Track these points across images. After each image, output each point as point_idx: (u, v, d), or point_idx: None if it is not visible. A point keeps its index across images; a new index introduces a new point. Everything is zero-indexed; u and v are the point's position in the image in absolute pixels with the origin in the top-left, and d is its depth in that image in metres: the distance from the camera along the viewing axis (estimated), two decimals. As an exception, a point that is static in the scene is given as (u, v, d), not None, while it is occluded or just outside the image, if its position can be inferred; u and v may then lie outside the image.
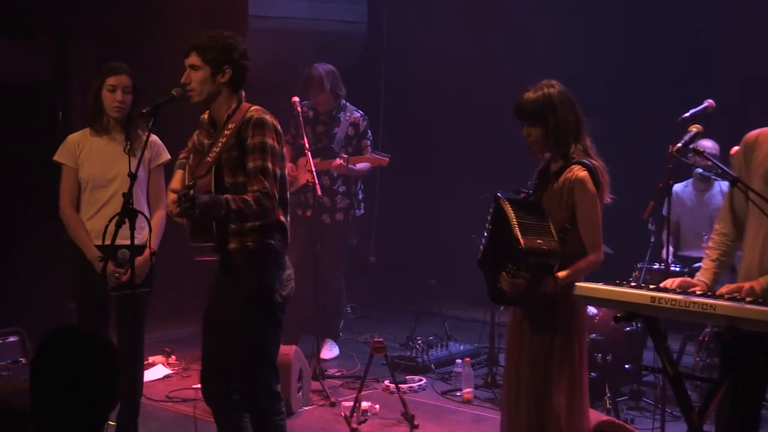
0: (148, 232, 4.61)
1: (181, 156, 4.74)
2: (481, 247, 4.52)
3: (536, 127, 4.34)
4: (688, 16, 8.04)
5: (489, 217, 4.45)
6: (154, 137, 5.24)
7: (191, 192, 4.16)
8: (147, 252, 5.01)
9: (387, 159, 7.23)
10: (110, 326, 5.18)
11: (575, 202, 4.28)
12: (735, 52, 7.82)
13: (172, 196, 4.36)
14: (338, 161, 7.20)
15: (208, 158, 4.43)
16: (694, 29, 8.03)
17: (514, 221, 4.23)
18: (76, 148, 5.24)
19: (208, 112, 4.60)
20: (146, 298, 5.17)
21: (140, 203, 5.18)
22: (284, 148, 4.56)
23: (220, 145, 4.42)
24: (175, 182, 4.60)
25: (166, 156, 5.24)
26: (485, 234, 4.49)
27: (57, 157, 5.26)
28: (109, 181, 5.20)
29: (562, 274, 4.23)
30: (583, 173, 4.28)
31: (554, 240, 4.23)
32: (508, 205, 4.30)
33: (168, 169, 5.09)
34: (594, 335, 6.09)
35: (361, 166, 7.32)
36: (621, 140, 7.93)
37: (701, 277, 4.21)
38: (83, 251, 5.16)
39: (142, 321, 5.22)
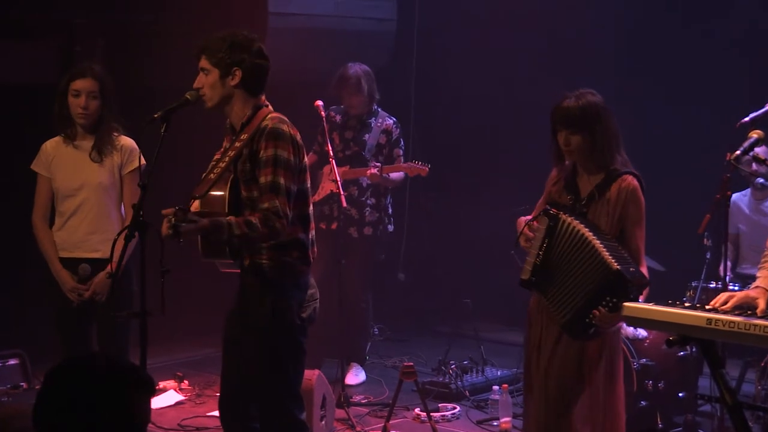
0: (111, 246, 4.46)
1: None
2: (527, 265, 4.53)
3: (578, 135, 4.46)
4: (743, 13, 7.99)
5: (538, 234, 4.49)
6: (128, 140, 5.31)
7: (173, 219, 4.17)
8: (109, 268, 5.03)
9: (427, 169, 7.19)
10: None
11: (627, 213, 4.42)
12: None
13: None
14: (372, 170, 7.18)
15: (211, 175, 4.44)
16: (750, 26, 7.97)
17: (600, 246, 4.32)
18: (49, 156, 5.33)
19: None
20: (125, 322, 5.14)
21: (108, 214, 5.24)
22: (303, 160, 4.52)
23: (227, 159, 4.43)
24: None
25: (142, 161, 5.18)
26: (537, 251, 4.50)
27: (33, 166, 5.36)
28: (75, 190, 5.28)
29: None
30: (636, 183, 4.45)
31: (633, 262, 4.35)
32: (582, 225, 4.39)
33: (185, 182, 5.08)
34: (644, 360, 6.05)
35: (396, 176, 7.30)
36: (673, 148, 7.90)
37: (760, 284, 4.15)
38: (48, 264, 5.26)
39: (123, 347, 5.24)
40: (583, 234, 4.37)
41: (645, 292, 4.36)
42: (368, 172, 7.20)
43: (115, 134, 5.31)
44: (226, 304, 4.71)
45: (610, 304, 4.28)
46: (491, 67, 8.80)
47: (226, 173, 4.46)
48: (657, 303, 4.08)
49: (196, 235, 4.27)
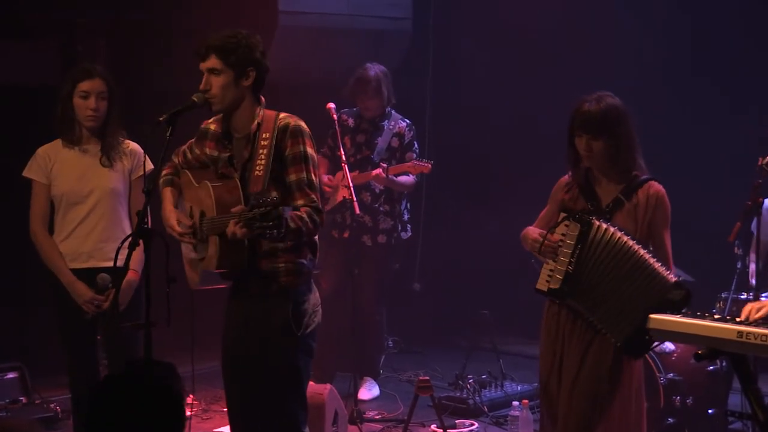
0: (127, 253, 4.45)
1: (165, 172, 4.76)
2: (556, 273, 4.53)
3: (600, 140, 4.47)
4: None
5: (568, 240, 4.50)
6: (134, 144, 5.31)
7: (281, 208, 4.11)
8: (131, 275, 5.04)
9: (429, 165, 7.19)
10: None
11: (656, 219, 4.47)
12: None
13: (173, 219, 4.39)
14: (377, 171, 7.19)
15: (257, 172, 4.43)
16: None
17: (648, 256, 4.37)
18: (48, 161, 5.31)
19: (215, 121, 4.62)
20: (136, 332, 5.07)
21: (121, 220, 5.25)
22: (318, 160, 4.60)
23: (264, 156, 4.44)
24: (168, 202, 4.64)
25: (150, 166, 5.18)
26: (569, 259, 4.51)
27: (26, 173, 5.34)
28: (84, 197, 5.27)
29: None
30: (662, 188, 4.49)
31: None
32: (620, 232, 4.42)
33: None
34: (671, 375, 6.03)
35: (404, 179, 7.29)
36: (701, 153, 7.89)
37: None
38: (57, 276, 5.23)
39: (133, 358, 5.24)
40: (625, 242, 4.39)
41: None
42: (373, 173, 7.21)
43: (121, 139, 5.32)
44: (227, 317, 4.70)
45: None
46: (511, 66, 8.79)
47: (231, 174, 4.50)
48: (685, 315, 4.08)
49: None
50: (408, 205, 7.60)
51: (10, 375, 6.44)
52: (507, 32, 8.74)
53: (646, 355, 5.81)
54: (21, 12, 7.66)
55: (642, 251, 4.35)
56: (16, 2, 7.64)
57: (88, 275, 5.23)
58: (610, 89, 4.62)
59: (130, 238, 4.28)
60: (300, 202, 4.41)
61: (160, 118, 4.35)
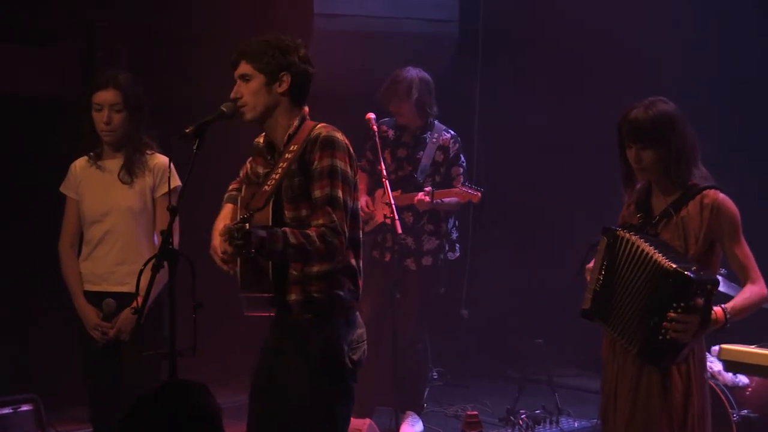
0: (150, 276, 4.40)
1: (231, 188, 4.78)
2: (587, 293, 4.53)
3: (651, 150, 4.44)
4: None
5: (597, 256, 4.52)
6: (162, 159, 5.35)
7: (246, 225, 4.14)
8: (138, 301, 5.04)
9: (479, 194, 7.15)
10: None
11: (719, 231, 4.41)
12: None
13: (218, 239, 4.38)
14: (420, 195, 7.16)
15: (266, 187, 4.43)
16: None
17: (657, 254, 4.30)
18: (77, 177, 5.39)
19: (263, 135, 4.63)
20: (156, 363, 5.13)
21: (138, 242, 5.27)
22: (358, 176, 4.56)
23: (279, 171, 4.42)
24: (224, 217, 4.63)
25: (176, 182, 5.18)
26: (597, 276, 4.52)
27: (62, 188, 5.44)
28: (102, 215, 5.33)
29: (729, 305, 4.33)
30: (723, 195, 4.43)
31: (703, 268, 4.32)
32: (636, 237, 4.39)
33: (210, 203, 5.13)
34: (745, 411, 5.98)
35: (450, 200, 7.28)
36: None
37: None
38: (72, 298, 5.30)
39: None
40: (642, 250, 4.36)
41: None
42: (416, 198, 7.17)
43: (149, 152, 5.35)
44: (262, 346, 4.71)
45: (679, 309, 4.26)
46: (564, 70, 8.77)
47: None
48: (760, 345, 4.05)
49: (263, 242, 4.20)
50: (456, 223, 7.59)
51: (24, 407, 6.46)
52: (559, 36, 8.74)
53: (717, 389, 5.78)
54: (36, 15, 7.73)
55: (656, 253, 4.31)
56: (31, 5, 7.72)
57: (97, 299, 5.30)
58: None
59: (153, 260, 4.27)
60: (320, 221, 4.33)
61: (187, 130, 4.34)
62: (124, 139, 5.31)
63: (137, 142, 5.31)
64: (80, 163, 5.42)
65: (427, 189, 7.21)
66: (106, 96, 5.27)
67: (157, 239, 5.35)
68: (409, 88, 7.28)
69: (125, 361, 5.25)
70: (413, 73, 7.33)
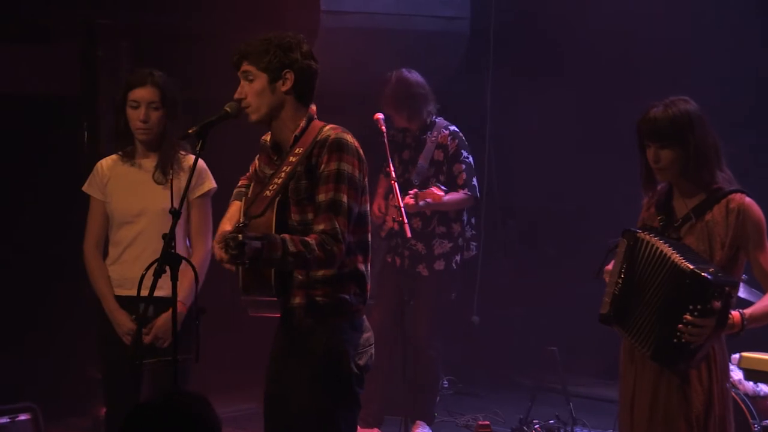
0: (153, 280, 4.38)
1: (240, 183, 4.77)
2: (605, 297, 4.52)
3: (669, 150, 4.45)
4: None
5: (617, 259, 4.52)
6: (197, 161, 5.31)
7: (240, 236, 4.15)
8: (180, 307, 5.02)
9: (441, 194, 6.98)
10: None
11: (745, 237, 4.41)
12: None
13: (220, 239, 4.37)
14: (407, 199, 6.98)
15: (267, 192, 4.44)
16: None
17: (673, 253, 4.30)
18: (104, 177, 5.35)
19: (269, 133, 4.63)
20: (186, 368, 5.15)
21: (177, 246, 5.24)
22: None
23: (283, 175, 4.42)
24: (231, 216, 4.62)
25: (211, 184, 5.25)
26: (617, 279, 4.51)
27: (85, 188, 5.40)
28: (134, 216, 5.30)
29: (749, 311, 4.34)
30: (749, 200, 4.44)
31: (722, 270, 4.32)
32: (656, 238, 4.39)
33: (217, 200, 5.11)
34: (766, 422, 5.96)
35: (451, 197, 7.16)
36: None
37: None
38: (101, 303, 5.26)
39: None
40: (662, 251, 4.37)
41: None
42: (404, 200, 6.96)
43: (182, 153, 5.32)
44: (268, 354, 4.70)
45: (696, 312, 4.26)
46: (579, 68, 8.76)
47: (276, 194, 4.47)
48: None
49: (259, 252, 4.20)
50: (473, 220, 7.52)
51: (22, 417, 6.45)
52: (573, 32, 8.72)
53: (737, 399, 5.75)
54: (34, 12, 7.73)
55: (676, 255, 4.30)
56: (32, 4, 7.72)
57: (131, 304, 5.22)
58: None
59: (155, 264, 4.26)
60: (321, 227, 4.33)
61: (190, 131, 4.38)
62: (159, 137, 5.29)
63: (172, 140, 5.28)
64: (107, 162, 5.39)
65: (411, 192, 7.09)
66: (143, 93, 5.26)
67: (189, 243, 5.35)
68: (395, 92, 7.25)
69: (133, 369, 5.21)
70: (395, 77, 7.30)
